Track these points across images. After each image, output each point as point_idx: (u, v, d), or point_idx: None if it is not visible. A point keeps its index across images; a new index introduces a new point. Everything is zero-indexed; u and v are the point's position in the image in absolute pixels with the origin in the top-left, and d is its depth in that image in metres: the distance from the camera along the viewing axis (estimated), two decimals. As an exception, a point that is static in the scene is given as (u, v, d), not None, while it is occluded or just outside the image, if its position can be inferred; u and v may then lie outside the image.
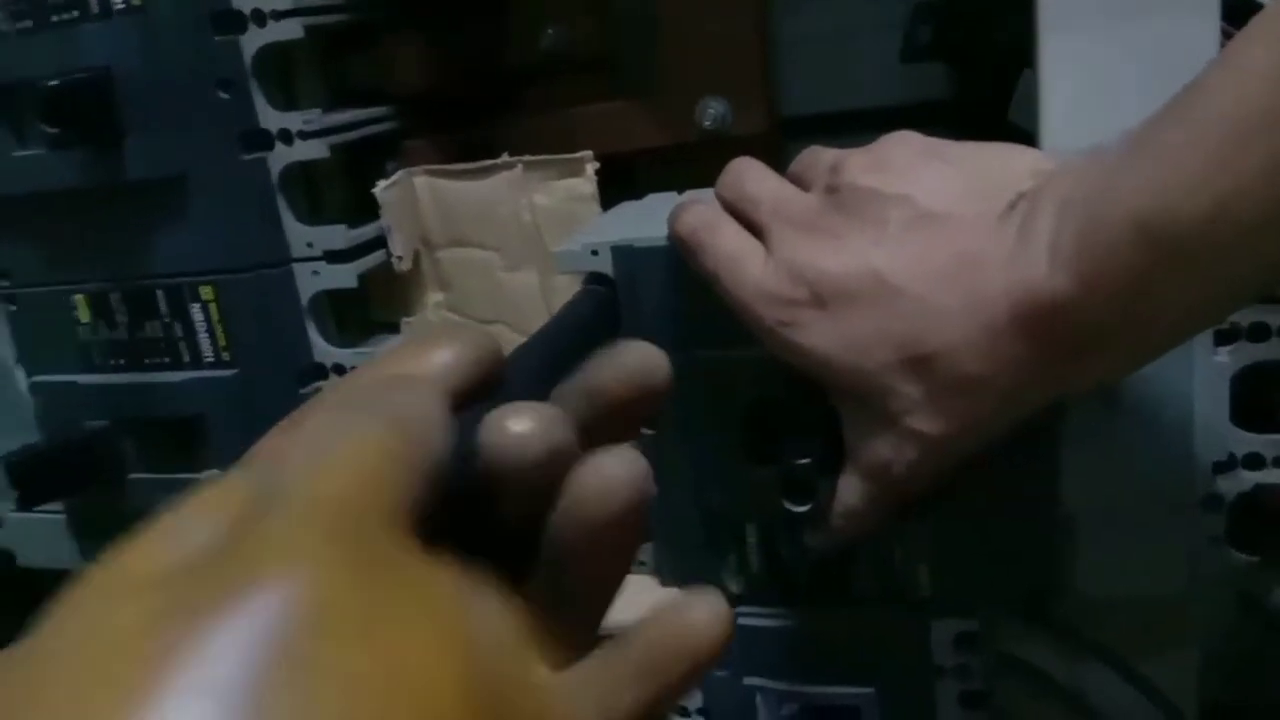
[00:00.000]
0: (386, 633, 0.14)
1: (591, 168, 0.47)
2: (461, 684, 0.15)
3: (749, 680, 0.43)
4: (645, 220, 0.43)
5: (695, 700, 0.44)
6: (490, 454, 0.19)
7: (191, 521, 0.16)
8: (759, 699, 0.42)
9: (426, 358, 0.22)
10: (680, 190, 0.46)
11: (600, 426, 0.22)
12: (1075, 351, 0.29)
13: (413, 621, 0.15)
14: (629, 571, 0.22)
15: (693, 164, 0.49)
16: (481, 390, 0.22)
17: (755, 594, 0.42)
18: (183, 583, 0.14)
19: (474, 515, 0.20)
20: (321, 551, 0.15)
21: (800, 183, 0.36)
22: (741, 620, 0.43)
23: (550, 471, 0.20)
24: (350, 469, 0.16)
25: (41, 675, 0.13)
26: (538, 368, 0.27)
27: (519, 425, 0.20)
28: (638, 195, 0.48)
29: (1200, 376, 0.35)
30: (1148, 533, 0.37)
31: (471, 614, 0.17)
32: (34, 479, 0.48)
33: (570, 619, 0.21)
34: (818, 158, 0.36)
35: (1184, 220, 0.26)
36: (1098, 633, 0.41)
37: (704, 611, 0.20)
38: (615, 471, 0.20)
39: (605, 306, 0.40)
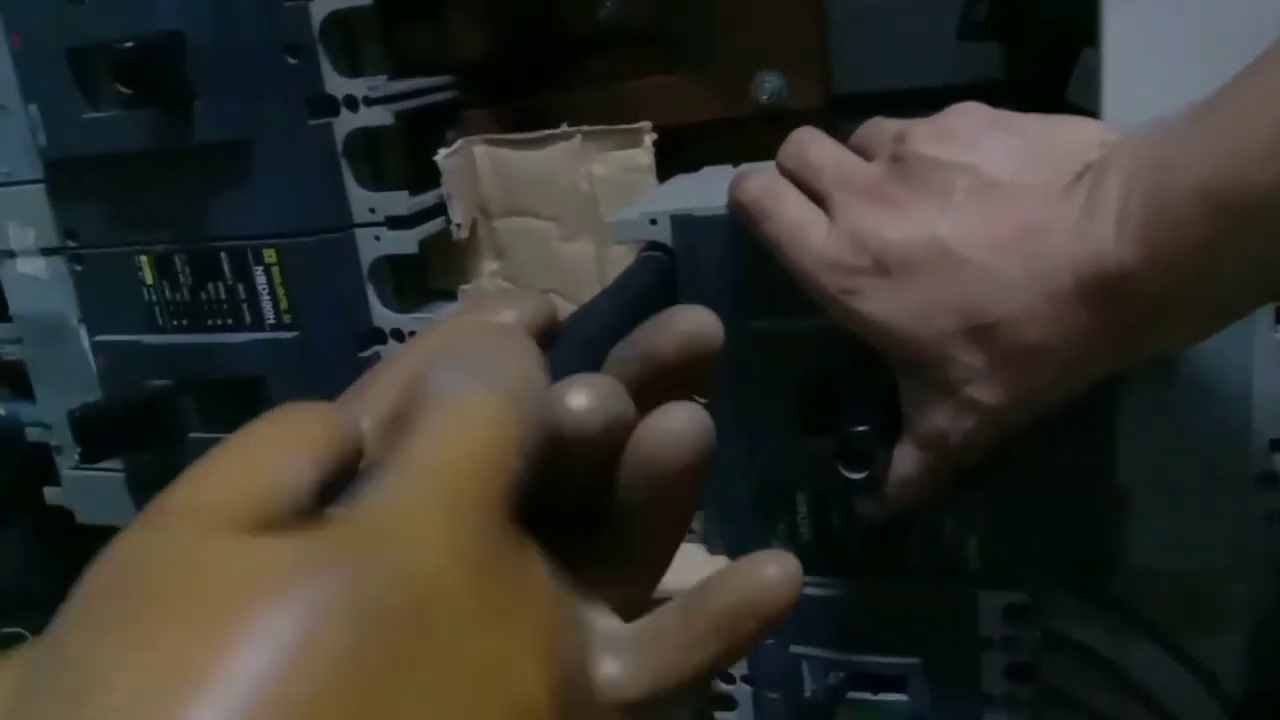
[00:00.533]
0: (490, 628, 0.15)
1: (649, 139, 0.47)
2: (549, 684, 0.16)
3: (795, 648, 0.43)
4: (703, 191, 0.43)
5: (741, 667, 0.45)
6: (550, 429, 0.20)
7: (286, 457, 0.16)
8: (805, 667, 0.43)
9: (505, 316, 0.22)
10: (735, 164, 0.46)
11: (654, 389, 0.23)
12: (1139, 322, 0.29)
13: (515, 617, 0.16)
14: (690, 521, 0.23)
15: (747, 138, 0.49)
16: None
17: (803, 563, 0.42)
18: (301, 533, 0.14)
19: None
20: (443, 531, 0.15)
21: (863, 153, 0.36)
22: (791, 588, 0.43)
23: (610, 441, 0.21)
24: (475, 444, 0.17)
25: (151, 617, 0.13)
26: (596, 332, 0.28)
27: (577, 400, 0.20)
28: (692, 169, 0.48)
29: (1260, 353, 0.35)
30: (1201, 508, 0.37)
31: (560, 606, 0.18)
32: (97, 435, 0.49)
33: (631, 579, 0.22)
34: (881, 128, 0.36)
35: (1251, 189, 0.26)
36: (1146, 610, 0.41)
37: (776, 571, 0.20)
38: (683, 423, 0.21)
39: (664, 274, 0.40)
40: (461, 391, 0.17)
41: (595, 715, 0.19)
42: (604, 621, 0.21)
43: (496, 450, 0.17)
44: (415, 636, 0.14)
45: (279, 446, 0.16)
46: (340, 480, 0.16)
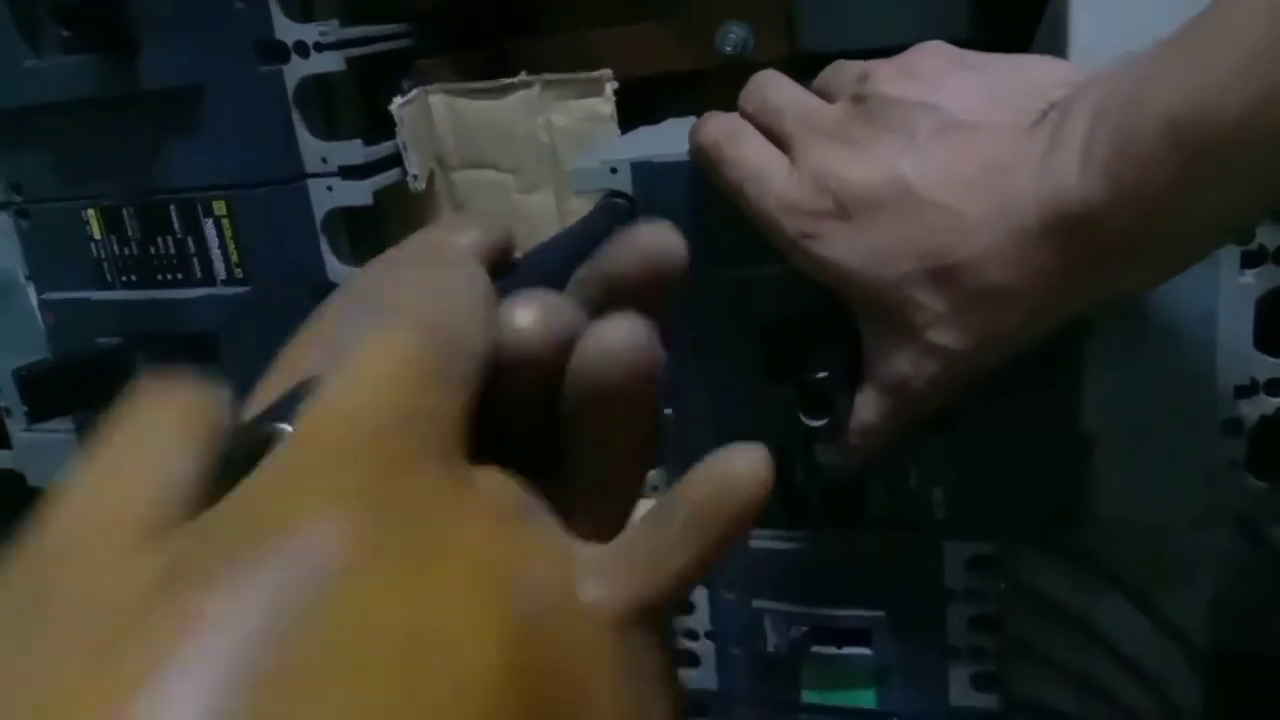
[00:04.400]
0: (408, 595, 0.14)
1: (610, 87, 0.46)
2: (497, 639, 0.14)
3: (758, 603, 0.43)
4: (664, 141, 0.42)
5: (703, 622, 0.44)
6: (498, 349, 0.19)
7: (179, 453, 0.15)
8: (767, 621, 0.43)
9: (451, 239, 0.21)
10: (699, 117, 0.45)
11: (616, 306, 0.22)
12: (1105, 260, 0.29)
13: (440, 572, 0.14)
14: (653, 446, 0.22)
15: (711, 90, 0.48)
16: (493, 269, 0.21)
17: (766, 516, 0.42)
18: (190, 543, 0.14)
19: (495, 413, 0.19)
20: (327, 501, 0.14)
21: (826, 95, 0.36)
22: (752, 543, 0.43)
23: (558, 359, 0.20)
24: (367, 389, 0.16)
25: (31, 649, 0.12)
26: (552, 266, 0.27)
27: (521, 317, 0.19)
28: (655, 123, 0.47)
29: (1225, 299, 0.35)
30: (1168, 456, 0.36)
31: (517, 541, 0.17)
32: (44, 394, 0.48)
33: (599, 508, 0.21)
34: (844, 69, 0.36)
35: (1219, 120, 0.25)
36: (1112, 562, 0.41)
37: (744, 463, 0.20)
38: (618, 335, 0.19)
39: (624, 220, 0.39)
40: (365, 332, 0.17)
41: (585, 643, 0.18)
42: (581, 549, 0.20)
43: (400, 387, 0.16)
44: (310, 640, 0.12)
45: (153, 444, 0.15)
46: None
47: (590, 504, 0.21)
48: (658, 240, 0.22)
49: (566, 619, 0.17)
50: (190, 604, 0.12)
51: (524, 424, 0.20)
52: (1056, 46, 0.40)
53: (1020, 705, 0.43)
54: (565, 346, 0.20)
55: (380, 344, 0.16)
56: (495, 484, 0.18)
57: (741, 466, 0.20)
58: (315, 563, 0.13)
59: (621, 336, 0.19)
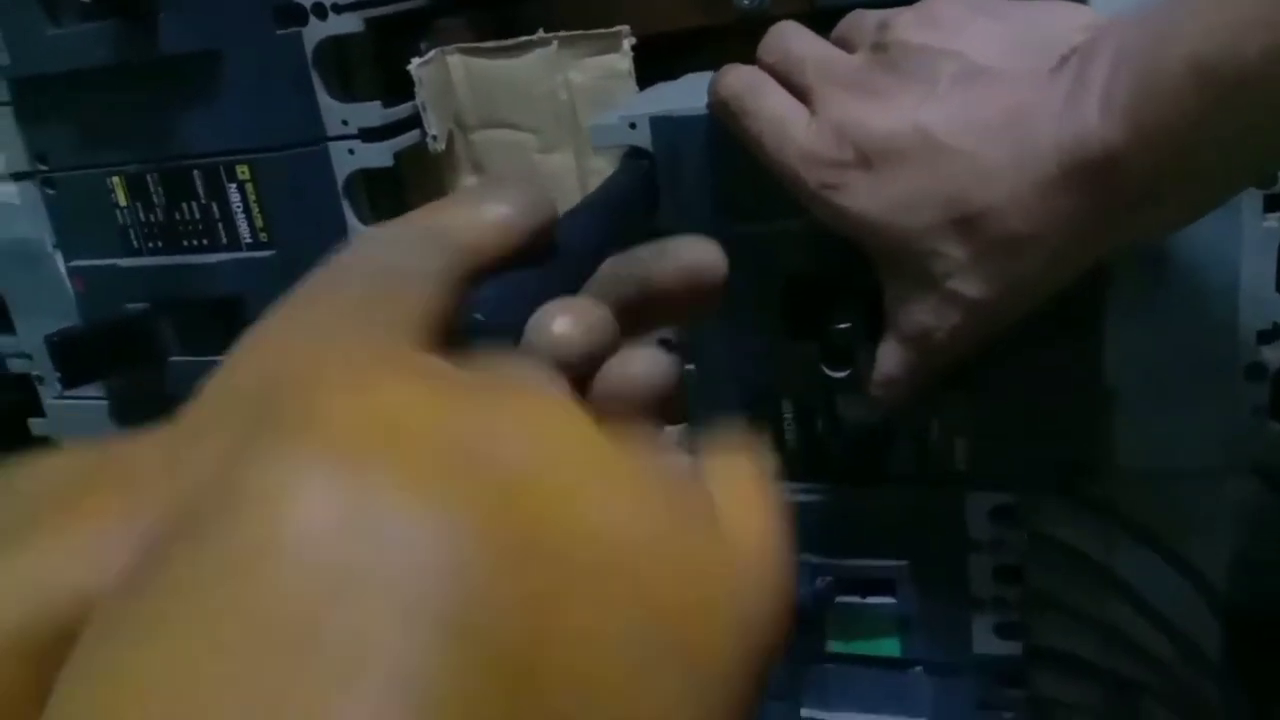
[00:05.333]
0: (368, 522, 0.13)
1: (628, 43, 0.46)
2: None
3: (783, 554, 0.43)
4: (683, 96, 0.42)
5: (729, 575, 0.45)
6: (534, 347, 0.20)
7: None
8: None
9: (478, 211, 0.21)
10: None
11: (648, 311, 0.23)
12: (1126, 204, 0.29)
13: (406, 489, 0.14)
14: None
15: (730, 47, 0.48)
16: (533, 250, 0.21)
17: (790, 469, 0.42)
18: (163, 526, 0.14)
19: None
20: (276, 460, 0.14)
21: (845, 45, 0.35)
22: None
23: (590, 366, 0.21)
24: (290, 324, 0.17)
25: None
26: (585, 238, 0.27)
27: (561, 324, 0.20)
28: (673, 80, 0.47)
29: (1248, 244, 0.35)
30: (1189, 403, 0.36)
31: (484, 426, 0.16)
32: (76, 360, 0.49)
33: None
34: (864, 18, 0.35)
35: (1241, 60, 0.25)
36: (1132, 512, 0.41)
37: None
38: (637, 369, 0.21)
39: (645, 180, 0.39)
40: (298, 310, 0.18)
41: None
42: None
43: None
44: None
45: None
46: None
47: None
48: (700, 255, 0.23)
49: (551, 462, 0.16)
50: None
51: None
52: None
53: (1042, 653, 0.43)
54: (596, 359, 0.21)
55: (316, 278, 0.18)
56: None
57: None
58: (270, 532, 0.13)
59: (645, 369, 0.21)
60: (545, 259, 0.22)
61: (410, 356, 0.16)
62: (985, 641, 0.42)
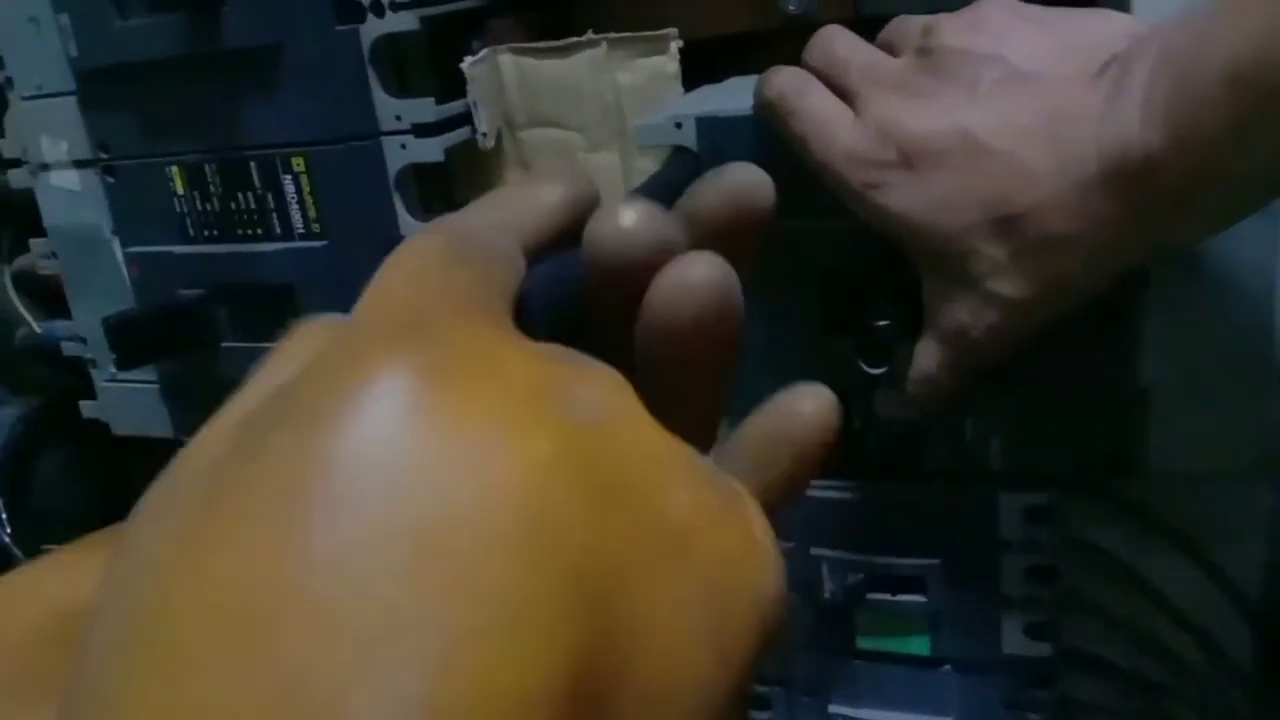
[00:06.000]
0: (465, 401, 0.14)
1: (675, 45, 0.47)
2: (548, 427, 0.14)
3: (815, 550, 0.44)
4: (727, 98, 0.43)
5: (762, 570, 0.45)
6: (595, 245, 0.20)
7: (277, 367, 0.16)
8: (824, 568, 0.44)
9: (530, 194, 0.22)
10: (762, 76, 0.46)
11: (698, 244, 0.22)
12: (1164, 209, 0.29)
13: (492, 410, 0.14)
14: (728, 386, 0.22)
15: (776, 51, 0.49)
16: (577, 233, 0.21)
17: (825, 466, 0.43)
18: (253, 419, 0.14)
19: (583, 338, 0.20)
20: (377, 360, 0.14)
21: (890, 49, 0.36)
22: (810, 492, 0.44)
23: (648, 272, 0.19)
24: (405, 274, 0.17)
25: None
26: None
27: (626, 216, 0.19)
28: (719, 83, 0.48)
29: (1287, 251, 0.35)
30: (1223, 408, 0.37)
31: (561, 364, 0.16)
32: (131, 341, 0.50)
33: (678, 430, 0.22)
34: (908, 23, 0.36)
35: (1273, 70, 0.26)
36: (1165, 515, 0.41)
37: (810, 401, 0.20)
38: (695, 273, 0.19)
39: (690, 176, 0.40)
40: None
41: (649, 447, 0.17)
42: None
43: (424, 269, 0.17)
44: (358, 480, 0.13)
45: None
46: None
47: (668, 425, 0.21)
48: (746, 179, 0.22)
49: (628, 426, 0.16)
50: (240, 473, 0.14)
51: (604, 350, 0.21)
52: (1120, 2, 0.40)
53: (1070, 655, 0.44)
54: (663, 254, 0.19)
55: (406, 247, 0.18)
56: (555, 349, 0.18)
57: (806, 408, 0.20)
58: (346, 427, 0.14)
59: (701, 273, 0.19)
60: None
61: (505, 325, 0.17)
62: (1015, 642, 0.42)
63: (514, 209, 0.21)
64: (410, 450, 0.13)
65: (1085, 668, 0.45)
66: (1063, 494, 0.40)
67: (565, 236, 0.21)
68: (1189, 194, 0.29)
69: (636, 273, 0.19)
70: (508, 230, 0.20)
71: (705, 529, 0.16)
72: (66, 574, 0.18)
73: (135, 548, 0.14)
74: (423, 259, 0.17)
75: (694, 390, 0.21)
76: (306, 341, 0.17)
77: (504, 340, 0.16)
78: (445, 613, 0.12)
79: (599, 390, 0.16)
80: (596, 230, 0.20)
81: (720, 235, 0.21)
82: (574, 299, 0.21)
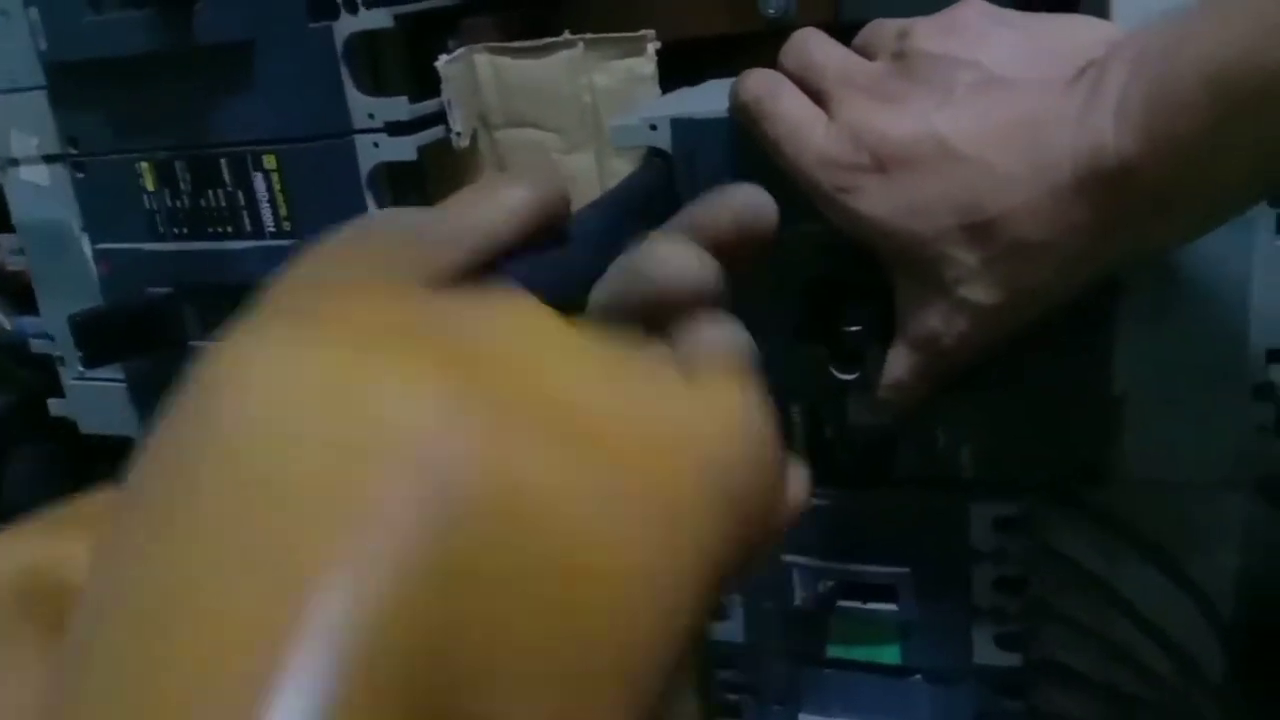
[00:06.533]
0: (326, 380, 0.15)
1: (652, 47, 0.46)
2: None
3: (787, 557, 0.44)
4: (703, 100, 0.43)
5: (733, 577, 0.45)
6: (652, 277, 0.21)
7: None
8: (795, 575, 0.43)
9: (493, 196, 0.22)
10: (739, 80, 0.45)
11: None
12: (1137, 215, 0.29)
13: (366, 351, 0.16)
14: None
15: (754, 54, 0.49)
16: (544, 236, 0.22)
17: (798, 473, 0.43)
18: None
19: None
20: (240, 341, 0.16)
21: (866, 53, 0.36)
22: (783, 498, 0.43)
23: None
24: (293, 271, 0.18)
25: None
26: (598, 229, 0.28)
27: (680, 259, 0.22)
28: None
29: (1260, 263, 0.35)
30: (1196, 417, 0.37)
31: (454, 321, 0.17)
32: (97, 339, 0.50)
33: None
34: (884, 27, 0.36)
35: (1254, 73, 0.26)
36: (1138, 524, 0.41)
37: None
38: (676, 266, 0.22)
39: (662, 179, 0.40)
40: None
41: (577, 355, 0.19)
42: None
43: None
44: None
45: None
46: None
47: None
48: (752, 200, 0.24)
49: (523, 337, 0.18)
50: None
51: None
52: (1101, 8, 0.40)
53: (1042, 666, 0.44)
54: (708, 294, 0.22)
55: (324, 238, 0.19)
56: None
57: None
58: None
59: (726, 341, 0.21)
60: (556, 245, 0.22)
61: (399, 285, 0.18)
62: (985, 652, 0.42)
63: (467, 207, 0.21)
64: (270, 415, 0.15)
65: (1057, 678, 0.44)
66: (1035, 501, 0.40)
67: (525, 239, 0.21)
68: (1164, 200, 0.29)
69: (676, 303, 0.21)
70: (457, 219, 0.20)
71: (616, 412, 0.17)
72: (38, 538, 0.19)
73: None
74: (324, 247, 0.18)
75: None
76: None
77: (379, 295, 0.17)
78: (326, 539, 0.13)
79: (492, 316, 0.18)
80: (651, 266, 0.22)
81: (724, 250, 0.23)
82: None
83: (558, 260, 0.22)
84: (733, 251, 0.23)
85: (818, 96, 0.35)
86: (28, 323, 0.63)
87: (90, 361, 0.50)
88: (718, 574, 0.17)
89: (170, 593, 0.13)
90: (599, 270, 0.24)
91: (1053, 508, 0.41)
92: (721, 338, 0.21)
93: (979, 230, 0.31)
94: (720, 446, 0.18)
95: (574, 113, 0.48)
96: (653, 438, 0.17)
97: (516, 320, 0.18)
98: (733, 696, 0.47)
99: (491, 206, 0.21)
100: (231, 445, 0.14)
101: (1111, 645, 0.43)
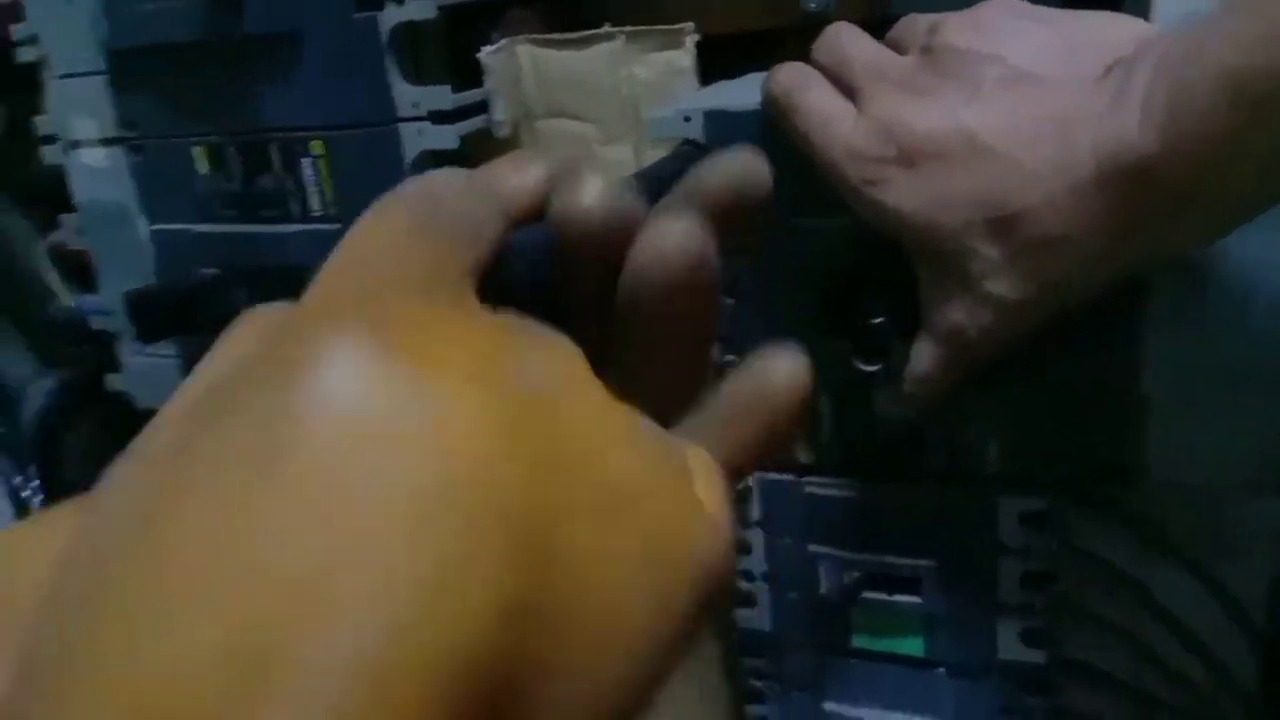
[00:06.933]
0: (406, 396, 0.14)
1: (691, 40, 0.47)
2: (497, 402, 0.15)
3: (813, 548, 0.44)
4: (739, 93, 0.43)
5: (760, 566, 0.46)
6: (558, 219, 0.20)
7: (227, 350, 0.17)
8: (821, 566, 0.44)
9: (514, 168, 0.22)
10: (779, 73, 0.46)
11: None
12: (1160, 213, 0.29)
13: (441, 377, 0.15)
14: (704, 348, 0.22)
15: (793, 49, 0.49)
16: None
17: (823, 465, 0.43)
18: (212, 392, 0.15)
19: (553, 306, 0.20)
20: (321, 336, 0.15)
21: (898, 48, 0.36)
22: (809, 489, 0.44)
23: (619, 241, 0.20)
24: (357, 253, 0.17)
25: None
26: None
27: (588, 194, 0.20)
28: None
29: (1293, 264, 0.35)
30: (1222, 419, 0.36)
31: (516, 335, 0.17)
32: (152, 316, 0.51)
33: (654, 401, 0.21)
34: (915, 22, 0.36)
35: (1268, 79, 0.25)
36: (1172, 528, 0.41)
37: (784, 360, 0.21)
38: (669, 238, 0.20)
39: (691, 164, 0.40)
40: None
41: (599, 419, 0.18)
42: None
43: (383, 243, 0.18)
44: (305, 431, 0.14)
45: None
46: None
47: (643, 402, 0.22)
48: (746, 165, 0.23)
49: (573, 393, 0.17)
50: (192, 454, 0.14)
51: (584, 317, 0.21)
52: (1142, 7, 0.39)
53: (1070, 665, 0.43)
54: (624, 233, 0.20)
55: (364, 223, 0.18)
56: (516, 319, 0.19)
57: (780, 366, 0.21)
58: (297, 389, 0.14)
59: (675, 242, 0.20)
60: None
61: (459, 298, 0.17)
62: (1010, 647, 0.42)
63: (498, 179, 0.21)
64: (350, 418, 0.14)
65: (1083, 677, 0.44)
66: (1063, 501, 0.40)
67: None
68: (1185, 199, 0.29)
69: (600, 244, 0.20)
70: (485, 197, 0.20)
71: (646, 491, 0.17)
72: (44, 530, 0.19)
73: (102, 512, 0.14)
74: (376, 236, 0.18)
75: (670, 357, 0.22)
76: (253, 327, 0.17)
77: (452, 313, 0.17)
78: (384, 573, 0.13)
79: (547, 359, 0.17)
80: (558, 203, 0.20)
81: (720, 216, 0.22)
82: (554, 267, 0.21)
83: None
84: (730, 215, 0.22)
85: (848, 91, 0.36)
86: (88, 301, 0.65)
87: (144, 336, 0.52)
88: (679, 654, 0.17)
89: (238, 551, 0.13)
90: None
91: (1085, 507, 0.41)
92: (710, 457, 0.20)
93: (1003, 225, 0.31)
94: (711, 556, 0.18)
95: (613, 105, 0.49)
96: (671, 528, 0.17)
97: (567, 364, 0.17)
98: (758, 684, 0.48)
99: (515, 181, 0.21)
100: (318, 444, 0.14)
101: (1141, 646, 0.43)
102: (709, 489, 0.19)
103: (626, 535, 0.16)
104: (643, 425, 0.18)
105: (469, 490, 0.14)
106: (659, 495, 0.17)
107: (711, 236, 0.20)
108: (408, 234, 0.18)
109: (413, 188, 0.19)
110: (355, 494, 0.13)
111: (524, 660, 0.14)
